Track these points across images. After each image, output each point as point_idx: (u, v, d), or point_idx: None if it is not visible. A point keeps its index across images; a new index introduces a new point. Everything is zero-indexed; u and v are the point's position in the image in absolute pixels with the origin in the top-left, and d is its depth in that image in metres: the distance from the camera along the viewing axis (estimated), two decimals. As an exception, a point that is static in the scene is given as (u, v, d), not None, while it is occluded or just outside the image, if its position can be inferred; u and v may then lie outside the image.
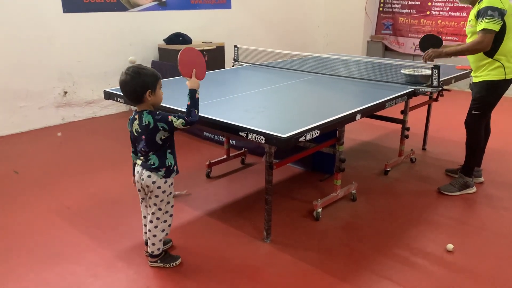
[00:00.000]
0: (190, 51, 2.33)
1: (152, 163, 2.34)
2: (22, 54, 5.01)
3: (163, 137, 2.30)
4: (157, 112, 2.28)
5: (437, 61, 3.45)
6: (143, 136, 2.30)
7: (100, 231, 2.95)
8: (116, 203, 3.35)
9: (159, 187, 2.37)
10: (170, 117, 2.25)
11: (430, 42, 3.65)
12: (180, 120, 2.24)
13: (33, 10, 4.99)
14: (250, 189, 3.59)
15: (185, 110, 2.27)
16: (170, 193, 2.45)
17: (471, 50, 3.17)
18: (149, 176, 2.36)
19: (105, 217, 3.14)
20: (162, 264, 2.54)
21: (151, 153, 2.34)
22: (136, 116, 2.32)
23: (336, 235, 2.92)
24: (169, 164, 2.37)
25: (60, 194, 3.50)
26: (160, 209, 2.44)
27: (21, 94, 5.09)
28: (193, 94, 2.26)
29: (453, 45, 3.70)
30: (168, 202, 2.47)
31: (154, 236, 2.48)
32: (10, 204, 3.34)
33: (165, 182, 2.38)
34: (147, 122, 2.26)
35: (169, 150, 2.36)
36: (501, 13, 3.01)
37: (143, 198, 2.50)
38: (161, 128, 2.26)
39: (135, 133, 2.34)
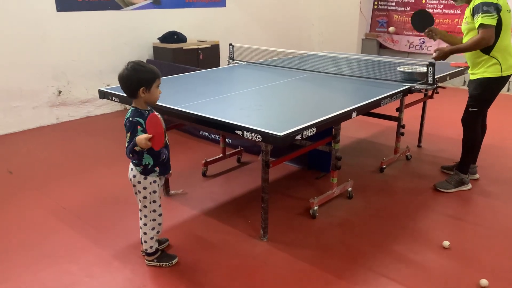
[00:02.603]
0: (154, 118, 2.17)
1: (133, 158, 2.35)
2: (16, 54, 4.97)
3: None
4: (131, 119, 2.24)
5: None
6: None
7: (96, 230, 2.94)
8: (111, 202, 3.34)
9: (139, 182, 2.38)
10: (129, 134, 2.23)
11: (422, 19, 3.66)
12: (127, 145, 2.23)
13: (26, 9, 4.95)
14: (247, 188, 3.59)
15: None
16: (154, 191, 2.43)
17: (474, 47, 3.14)
18: (131, 169, 2.39)
19: (101, 217, 3.12)
20: (158, 263, 2.54)
21: None
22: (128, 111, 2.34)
23: (333, 232, 2.92)
24: (146, 163, 2.35)
25: (55, 194, 3.48)
26: (145, 206, 2.44)
27: (15, 93, 5.05)
28: (133, 144, 2.18)
29: (445, 32, 3.74)
30: (154, 201, 2.46)
31: (145, 233, 2.49)
32: (4, 204, 3.32)
33: (145, 178, 2.38)
34: (126, 117, 2.28)
35: (146, 151, 2.31)
36: (496, 8, 3.01)
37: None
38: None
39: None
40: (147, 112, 2.29)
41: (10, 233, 2.92)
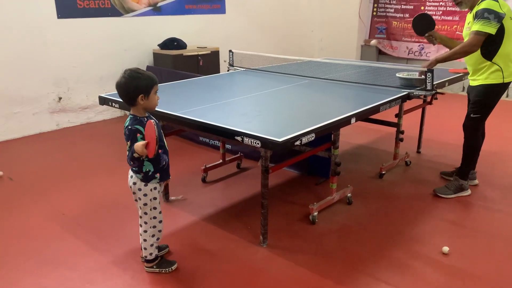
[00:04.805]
0: (148, 126, 2.21)
1: (134, 165, 2.36)
2: (17, 60, 5.00)
3: None
4: (130, 127, 2.25)
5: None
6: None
7: (95, 236, 2.94)
8: (111, 208, 3.34)
9: (139, 189, 2.38)
10: (129, 143, 2.25)
11: (423, 23, 3.68)
12: (128, 153, 2.26)
13: (27, 15, 4.98)
14: (246, 194, 3.59)
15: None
16: (155, 198, 2.44)
17: (461, 53, 3.20)
18: (131, 176, 2.39)
19: (101, 223, 3.13)
20: (158, 269, 2.54)
21: None
22: (127, 119, 2.35)
23: (332, 238, 2.92)
24: (147, 170, 2.35)
25: (55, 200, 3.48)
26: (145, 213, 2.44)
27: (15, 99, 5.06)
28: (132, 151, 2.21)
29: (445, 36, 3.76)
30: (155, 208, 2.46)
31: (145, 240, 2.49)
32: (5, 210, 3.32)
33: (145, 185, 2.38)
34: (125, 126, 2.29)
35: (146, 158, 2.32)
36: (498, 16, 3.02)
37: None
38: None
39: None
40: (145, 119, 2.29)
41: (10, 239, 2.92)
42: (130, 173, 2.40)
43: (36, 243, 2.86)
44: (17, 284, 2.46)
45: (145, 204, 2.42)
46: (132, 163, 2.29)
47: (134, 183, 2.38)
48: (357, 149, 4.75)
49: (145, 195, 2.40)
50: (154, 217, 2.48)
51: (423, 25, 3.72)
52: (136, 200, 2.43)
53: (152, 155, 2.19)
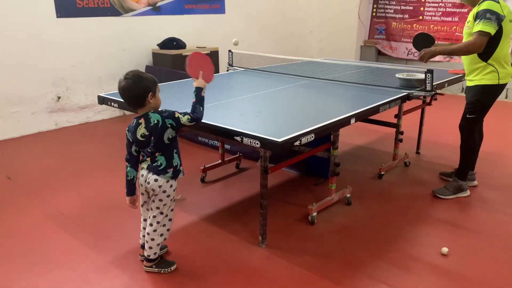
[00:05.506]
0: (198, 55, 2.45)
1: (159, 164, 2.35)
2: (16, 59, 4.98)
3: (170, 137, 2.33)
4: (163, 110, 2.33)
5: (432, 65, 3.47)
6: (152, 137, 2.31)
7: (94, 236, 2.93)
8: (110, 208, 3.33)
9: (164, 191, 2.39)
10: (177, 114, 2.31)
11: (423, 40, 3.72)
12: (186, 117, 2.31)
13: (26, 15, 4.97)
14: (245, 194, 3.59)
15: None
16: (173, 197, 2.47)
17: (464, 51, 3.20)
18: (155, 180, 2.36)
19: (99, 223, 3.12)
20: (157, 269, 2.53)
21: (158, 154, 2.35)
22: (141, 120, 2.31)
23: (331, 239, 2.92)
24: (176, 164, 2.40)
25: (53, 200, 3.47)
26: (162, 213, 2.45)
27: (14, 99, 5.05)
28: (198, 92, 2.35)
29: (446, 43, 3.78)
30: (170, 207, 2.48)
31: (152, 239, 2.47)
32: (2, 209, 3.31)
33: (171, 186, 2.40)
34: (156, 121, 2.28)
35: (175, 150, 2.40)
36: (498, 18, 3.04)
37: (145, 201, 2.50)
38: (169, 126, 2.30)
39: (141, 138, 2.32)
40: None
41: (8, 239, 2.91)
42: (153, 176, 2.36)
43: (34, 243, 2.85)
44: (14, 284, 2.45)
45: (165, 204, 2.43)
46: (201, 108, 2.35)
47: (160, 186, 2.37)
48: (356, 150, 4.74)
49: (168, 196, 2.42)
50: (166, 215, 2.49)
51: (424, 42, 3.76)
52: (153, 201, 2.42)
53: (212, 78, 2.42)
